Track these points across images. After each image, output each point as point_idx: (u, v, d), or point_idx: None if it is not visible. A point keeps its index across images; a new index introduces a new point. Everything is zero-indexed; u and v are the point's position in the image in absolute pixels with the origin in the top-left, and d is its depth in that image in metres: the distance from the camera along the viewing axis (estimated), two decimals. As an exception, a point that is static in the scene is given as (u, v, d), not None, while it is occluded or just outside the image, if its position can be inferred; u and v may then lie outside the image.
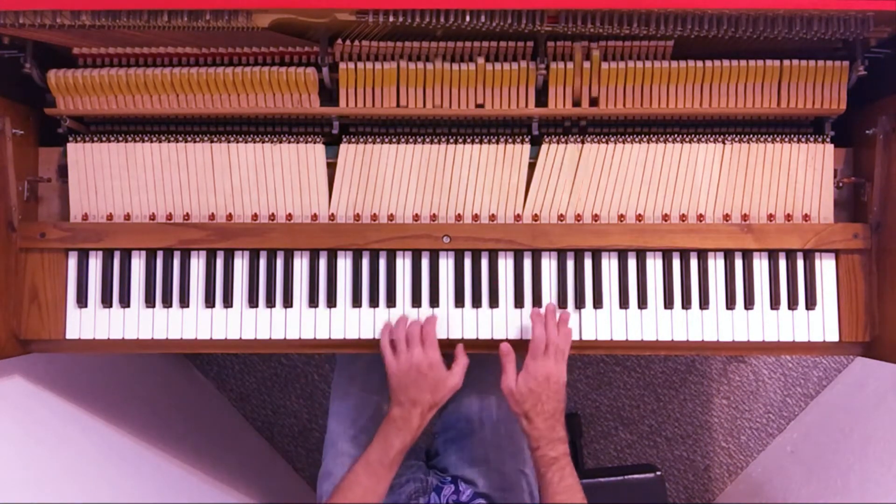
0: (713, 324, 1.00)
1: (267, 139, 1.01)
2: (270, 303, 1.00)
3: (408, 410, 0.92)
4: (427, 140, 1.01)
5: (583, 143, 1.00)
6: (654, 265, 1.00)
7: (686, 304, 1.00)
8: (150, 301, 1.00)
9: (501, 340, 1.00)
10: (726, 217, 1.00)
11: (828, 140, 1.00)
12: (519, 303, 1.00)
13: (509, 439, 1.10)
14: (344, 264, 1.01)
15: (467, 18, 0.87)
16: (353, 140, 1.01)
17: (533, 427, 0.92)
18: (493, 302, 1.00)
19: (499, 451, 1.09)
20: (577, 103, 0.98)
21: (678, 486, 1.88)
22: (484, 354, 1.17)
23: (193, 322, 1.00)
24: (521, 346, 1.00)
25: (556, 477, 0.90)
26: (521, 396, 0.92)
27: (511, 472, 1.07)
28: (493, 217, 1.01)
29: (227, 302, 1.00)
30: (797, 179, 0.99)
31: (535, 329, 0.95)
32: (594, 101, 0.98)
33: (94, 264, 1.01)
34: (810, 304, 0.99)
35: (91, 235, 0.99)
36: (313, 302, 1.00)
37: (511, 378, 0.93)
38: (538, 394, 0.91)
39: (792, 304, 0.99)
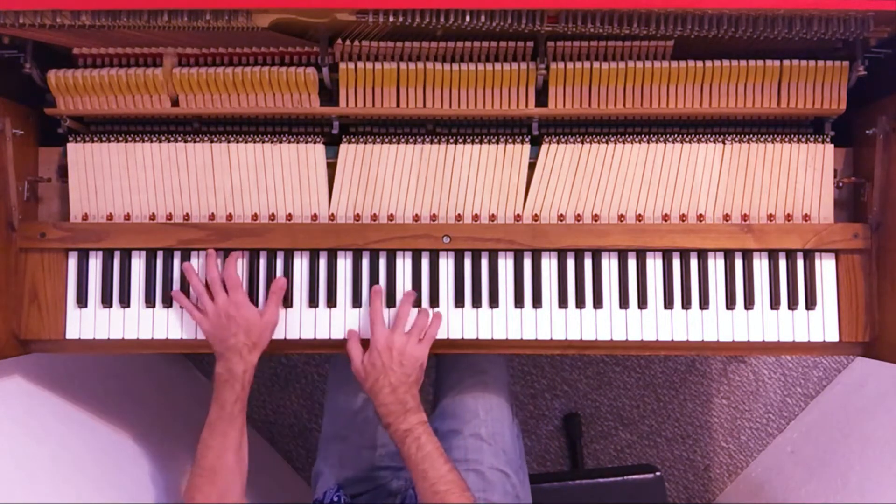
0: (713, 324, 1.00)
1: (267, 139, 1.01)
2: (270, 303, 1.00)
3: (228, 359, 0.92)
4: (427, 140, 1.01)
5: (583, 143, 1.00)
6: (654, 265, 1.00)
7: (686, 304, 1.00)
8: (150, 301, 1.00)
9: (501, 340, 1.00)
10: (726, 217, 1.00)
11: (828, 140, 1.00)
12: (519, 303, 1.00)
13: (492, 439, 1.09)
14: (344, 264, 1.01)
15: (467, 18, 0.87)
16: (353, 140, 1.01)
17: (379, 403, 0.92)
18: (493, 302, 1.00)
19: (479, 452, 1.08)
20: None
21: (678, 486, 1.88)
22: (459, 356, 1.17)
23: (193, 322, 1.00)
24: (522, 346, 1.01)
25: (413, 448, 0.88)
26: (366, 372, 0.93)
27: (489, 472, 1.06)
28: (493, 217, 1.01)
29: (227, 302, 1.00)
30: (797, 179, 0.99)
31: (373, 304, 0.96)
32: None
33: (94, 264, 1.01)
34: (810, 304, 0.99)
35: (91, 235, 0.99)
36: (313, 302, 1.00)
37: (357, 358, 0.94)
38: (381, 366, 0.92)
39: (792, 305, 0.99)
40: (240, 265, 1.01)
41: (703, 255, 1.00)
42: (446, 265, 1.01)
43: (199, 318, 0.96)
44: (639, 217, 1.00)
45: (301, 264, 1.01)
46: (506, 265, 1.01)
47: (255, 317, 0.95)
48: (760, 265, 1.00)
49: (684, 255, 1.00)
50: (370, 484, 1.09)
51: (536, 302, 1.00)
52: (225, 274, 0.97)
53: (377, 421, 1.13)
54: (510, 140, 1.00)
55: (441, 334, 1.00)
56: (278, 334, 1.00)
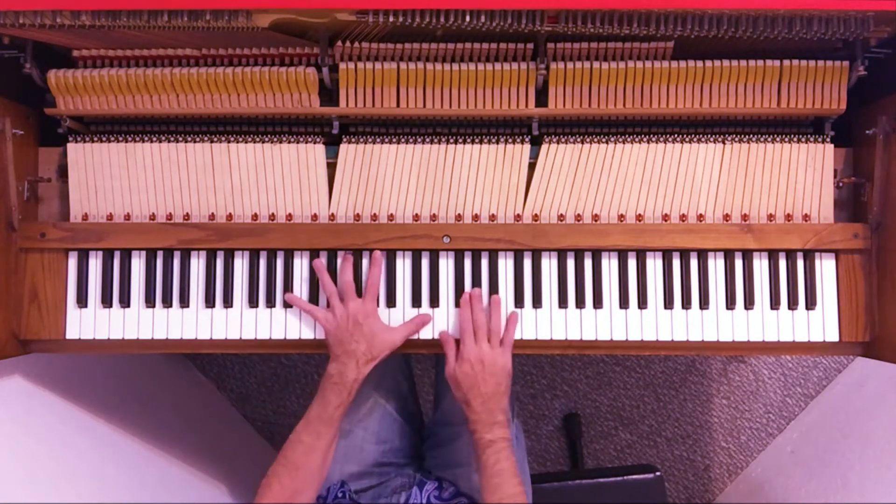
0: (713, 324, 1.00)
1: (267, 139, 1.01)
2: (270, 303, 1.00)
3: (343, 363, 0.93)
4: (427, 140, 1.01)
5: (583, 143, 1.00)
6: (654, 265, 1.00)
7: (686, 304, 1.00)
8: (150, 301, 1.00)
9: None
10: (726, 217, 1.00)
11: (828, 140, 1.00)
12: (519, 303, 1.00)
13: None
14: (344, 264, 1.01)
15: (467, 18, 0.87)
16: (353, 140, 1.01)
17: (470, 410, 0.93)
18: (493, 302, 1.00)
19: None
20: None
21: (678, 486, 1.88)
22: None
23: (193, 322, 1.00)
24: (522, 346, 1.01)
25: (492, 459, 0.90)
26: (458, 381, 0.94)
27: None
28: (493, 217, 1.01)
29: (227, 302, 1.00)
30: (797, 179, 0.99)
31: (461, 314, 0.97)
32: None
33: (94, 264, 1.01)
34: (810, 304, 0.99)
35: (91, 235, 0.99)
36: (313, 302, 1.00)
37: (451, 364, 0.95)
38: (473, 377, 0.93)
39: (792, 305, 0.99)
40: (239, 265, 1.01)
41: (703, 255, 1.00)
42: (446, 265, 1.01)
43: (323, 317, 0.96)
44: (639, 217, 1.00)
45: (301, 264, 1.01)
46: (506, 265, 1.01)
47: (381, 330, 0.95)
48: (760, 265, 1.00)
49: (684, 255, 1.00)
50: (374, 479, 1.09)
51: (536, 302, 1.00)
52: (369, 280, 0.97)
53: (381, 417, 1.13)
54: (510, 140, 1.00)
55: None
56: (277, 334, 1.00)
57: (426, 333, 1.00)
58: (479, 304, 0.98)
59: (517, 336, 1.00)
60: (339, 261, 1.01)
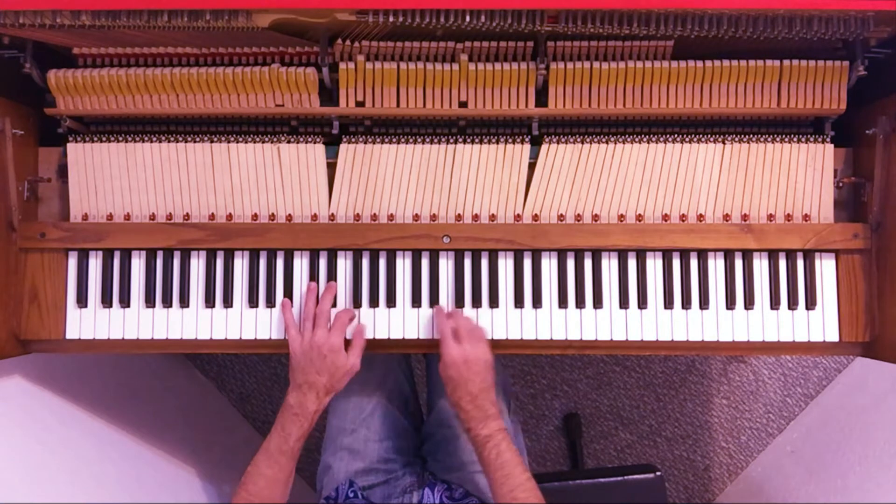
0: (713, 324, 1.00)
1: (267, 139, 1.01)
2: (270, 303, 1.00)
3: (304, 394, 0.93)
4: (427, 140, 1.01)
5: (583, 143, 1.00)
6: (654, 265, 1.00)
7: (686, 304, 1.00)
8: (150, 301, 1.00)
9: (501, 340, 1.00)
10: (726, 217, 1.00)
11: (828, 140, 1.00)
12: (519, 303, 1.00)
13: None
14: (344, 264, 1.01)
15: (467, 18, 0.87)
16: (353, 140, 1.01)
17: (461, 411, 0.93)
18: (493, 302, 1.00)
19: None
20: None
21: (678, 486, 1.88)
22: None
23: (193, 322, 1.00)
24: (522, 346, 1.01)
25: (493, 454, 0.89)
26: (445, 384, 0.93)
27: None
28: (493, 217, 1.01)
29: (227, 302, 1.00)
30: (797, 179, 0.99)
31: (437, 320, 0.97)
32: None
33: (94, 264, 1.01)
34: (810, 304, 0.99)
35: (91, 235, 0.99)
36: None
37: (440, 366, 0.94)
38: (457, 378, 0.92)
39: (792, 305, 0.99)
40: (239, 265, 1.01)
41: (703, 255, 1.00)
42: (446, 265, 1.01)
43: (294, 337, 0.96)
44: (639, 217, 1.00)
45: (301, 264, 1.01)
46: (506, 265, 1.01)
47: (343, 364, 0.95)
48: (760, 265, 1.00)
49: (684, 255, 1.00)
50: (381, 476, 1.09)
51: (536, 302, 1.00)
52: (337, 316, 0.96)
53: (383, 417, 1.14)
54: (510, 140, 1.00)
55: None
56: (277, 334, 1.00)
57: (425, 333, 1.00)
58: (455, 310, 0.98)
59: (518, 336, 1.00)
60: (339, 261, 1.01)
